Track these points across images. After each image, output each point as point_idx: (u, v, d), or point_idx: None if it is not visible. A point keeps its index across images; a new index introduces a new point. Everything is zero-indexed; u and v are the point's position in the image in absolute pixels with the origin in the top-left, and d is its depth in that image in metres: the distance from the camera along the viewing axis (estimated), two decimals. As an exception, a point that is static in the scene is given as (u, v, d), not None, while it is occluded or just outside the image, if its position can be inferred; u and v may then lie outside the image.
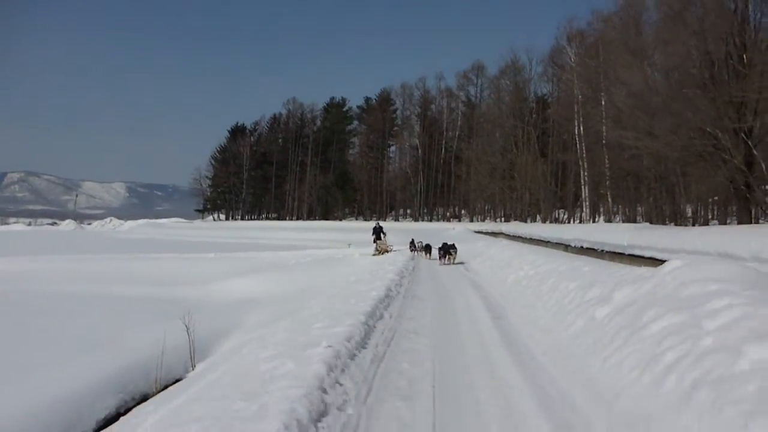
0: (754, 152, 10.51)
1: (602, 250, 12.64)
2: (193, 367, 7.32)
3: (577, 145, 32.93)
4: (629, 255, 10.75)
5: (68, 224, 62.62)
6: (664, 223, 24.46)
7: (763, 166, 10.32)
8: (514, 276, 10.29)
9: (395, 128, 66.06)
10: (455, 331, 6.43)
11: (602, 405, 3.60)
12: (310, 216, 65.31)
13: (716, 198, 20.07)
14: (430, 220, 56.73)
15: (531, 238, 22.23)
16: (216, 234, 47.56)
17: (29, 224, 69.19)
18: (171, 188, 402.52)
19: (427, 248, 18.57)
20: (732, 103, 10.54)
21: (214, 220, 74.11)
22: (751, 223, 10.94)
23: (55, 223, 72.32)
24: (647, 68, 14.47)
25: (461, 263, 15.94)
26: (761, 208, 10.97)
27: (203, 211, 76.76)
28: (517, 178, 42.81)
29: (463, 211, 59.22)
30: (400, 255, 17.45)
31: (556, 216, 42.86)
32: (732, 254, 6.55)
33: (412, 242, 19.71)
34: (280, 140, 74.33)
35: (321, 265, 16.25)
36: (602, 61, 24.82)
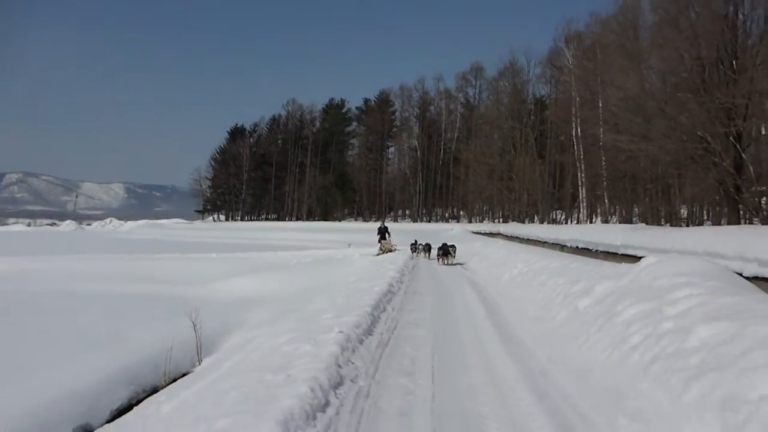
0: (743, 156, 10.81)
1: (596, 250, 12.88)
2: (200, 362, 7.57)
3: (575, 146, 33.22)
4: (622, 254, 10.99)
5: (68, 225, 62.78)
6: (659, 224, 24.78)
7: (751, 170, 10.62)
8: (509, 273, 10.77)
9: (394, 129, 66.35)
10: (452, 322, 6.94)
11: (576, 378, 4.17)
12: (310, 217, 65.55)
13: (709, 200, 20.37)
14: (429, 221, 57.03)
15: (528, 239, 22.46)
16: (216, 234, 47.77)
17: (28, 225, 69.22)
18: (170, 189, 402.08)
19: (427, 248, 18.85)
20: (723, 108, 10.82)
21: (214, 220, 74.31)
22: (740, 223, 11.25)
23: (54, 223, 72.37)
24: (644, 71, 14.72)
25: (460, 264, 16.22)
26: (749, 209, 11.27)
27: (203, 212, 76.98)
28: (515, 179, 43.08)
29: (461, 212, 59.50)
30: (400, 255, 17.77)
31: (554, 217, 43.17)
32: (718, 253, 6.76)
33: (415, 243, 19.99)
34: (279, 141, 74.60)
35: (321, 265, 16.48)
36: (599, 64, 25.09)
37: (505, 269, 11.61)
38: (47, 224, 73.27)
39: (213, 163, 75.56)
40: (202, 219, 75.60)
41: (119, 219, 74.80)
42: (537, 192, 41.00)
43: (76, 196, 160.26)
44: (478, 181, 48.47)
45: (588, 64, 28.27)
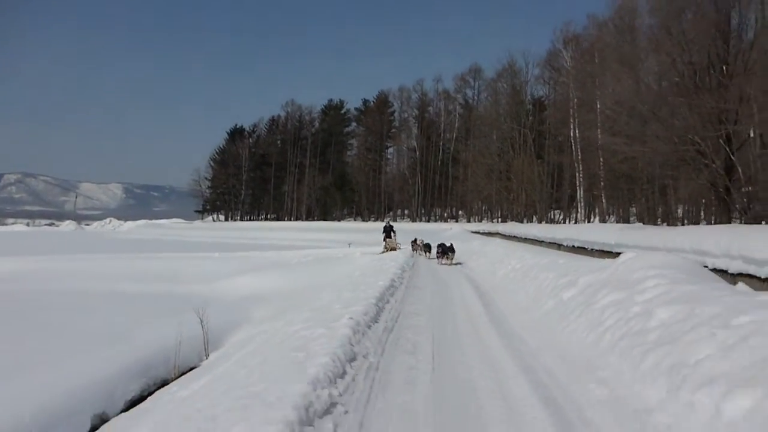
0: (733, 158, 11.13)
1: (592, 249, 13.19)
2: (207, 356, 7.83)
3: (573, 147, 33.49)
4: (616, 253, 11.29)
5: (68, 225, 62.98)
6: (656, 223, 25.05)
7: (740, 171, 10.94)
8: (504, 270, 11.45)
9: (393, 130, 66.65)
10: (450, 311, 7.63)
11: (557, 355, 4.85)
12: (309, 217, 65.79)
13: (704, 200, 20.69)
14: (428, 221, 57.32)
15: (526, 238, 22.75)
16: (216, 234, 47.99)
17: (27, 225, 69.33)
18: (168, 189, 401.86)
19: (427, 247, 19.09)
20: (714, 112, 11.14)
21: (214, 220, 74.51)
22: (730, 223, 11.56)
23: (53, 223, 72.46)
24: (640, 73, 15.00)
25: (459, 263, 16.49)
26: (738, 209, 11.59)
27: (203, 212, 77.19)
28: (513, 180, 43.37)
29: (460, 212, 59.79)
30: (401, 253, 18.10)
31: (552, 217, 43.47)
32: (705, 251, 7.09)
33: (414, 241, 20.33)
34: (278, 142, 74.84)
35: (323, 264, 16.70)
36: (596, 67, 25.37)
37: (500, 266, 12.21)
38: (45, 224, 73.33)
39: (212, 163, 75.88)
40: (202, 219, 75.82)
41: (118, 219, 74.89)
42: (535, 192, 41.29)
43: (76, 197, 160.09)
44: (476, 181, 48.77)
45: (586, 67, 28.54)
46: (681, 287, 4.47)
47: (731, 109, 11.03)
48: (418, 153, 60.71)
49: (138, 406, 5.58)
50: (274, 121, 77.05)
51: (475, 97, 60.55)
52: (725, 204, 11.83)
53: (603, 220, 32.01)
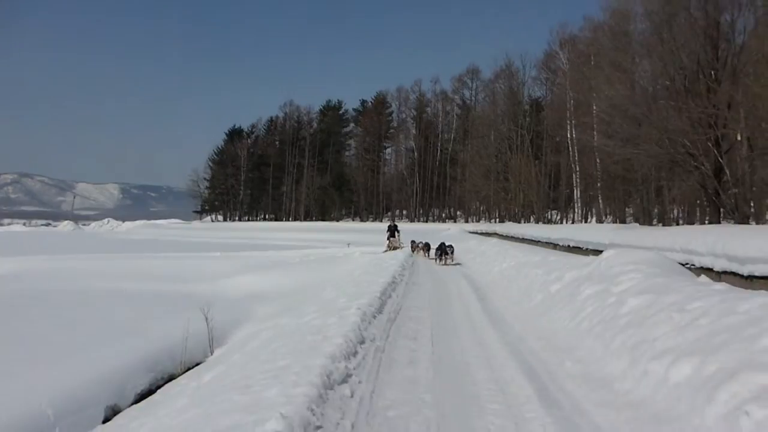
0: (722, 161, 11.48)
1: (587, 249, 13.51)
2: (212, 352, 8.10)
3: (569, 148, 33.80)
4: (610, 252, 11.64)
5: (66, 225, 63.04)
6: (651, 224, 25.38)
7: (728, 173, 11.28)
8: (499, 267, 12.10)
9: (391, 131, 67.02)
10: (448, 305, 8.35)
11: (542, 340, 5.53)
12: (308, 217, 66.08)
13: (698, 201, 21.05)
14: (426, 221, 57.69)
15: (523, 238, 23.05)
16: (215, 235, 48.16)
17: (24, 225, 69.35)
18: (165, 189, 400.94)
19: (426, 247, 19.35)
20: (703, 115, 11.48)
21: (212, 221, 74.69)
22: (720, 223, 11.90)
23: (50, 224, 72.56)
24: (635, 76, 15.32)
25: (457, 263, 16.76)
26: (726, 210, 11.94)
27: (201, 213, 77.38)
28: (511, 180, 43.70)
29: (458, 212, 60.17)
30: (401, 252, 18.50)
31: (550, 217, 43.81)
32: (692, 250, 7.40)
33: (413, 243, 20.62)
34: (277, 142, 75.12)
35: (324, 263, 16.98)
36: (593, 68, 25.68)
37: (495, 264, 12.91)
38: (42, 225, 73.39)
39: (211, 163, 76.07)
40: (200, 219, 76.01)
41: (115, 219, 74.93)
42: (533, 192, 41.62)
43: (74, 197, 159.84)
44: (474, 182, 49.13)
45: (582, 68, 28.85)
46: (652, 280, 5.10)
47: (720, 114, 11.38)
48: (416, 153, 61.08)
49: (148, 398, 5.86)
50: (272, 122, 77.39)
51: (473, 98, 61.11)
52: (715, 205, 12.18)
53: (600, 221, 32.34)
